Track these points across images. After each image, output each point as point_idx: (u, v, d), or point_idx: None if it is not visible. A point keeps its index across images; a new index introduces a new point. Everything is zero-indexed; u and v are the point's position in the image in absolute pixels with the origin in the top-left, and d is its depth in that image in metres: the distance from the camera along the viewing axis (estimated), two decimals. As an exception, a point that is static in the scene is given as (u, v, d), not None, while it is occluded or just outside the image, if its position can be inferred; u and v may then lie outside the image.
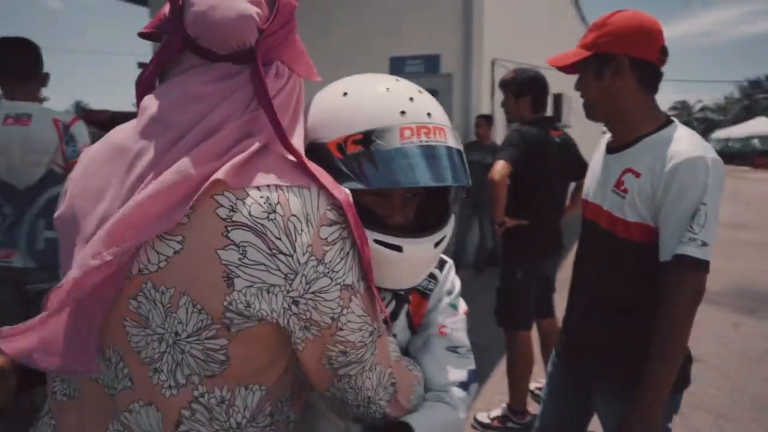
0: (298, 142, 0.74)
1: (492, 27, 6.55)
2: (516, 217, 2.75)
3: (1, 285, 2.30)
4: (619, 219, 1.46)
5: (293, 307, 0.67)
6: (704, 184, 1.31)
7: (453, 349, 1.01)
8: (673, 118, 1.48)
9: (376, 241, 0.81)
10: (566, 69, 1.52)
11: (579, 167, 2.99)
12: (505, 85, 2.89)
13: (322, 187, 0.69)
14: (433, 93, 4.25)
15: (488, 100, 6.73)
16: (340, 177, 0.77)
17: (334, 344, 0.71)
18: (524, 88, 2.82)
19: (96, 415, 0.73)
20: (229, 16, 0.69)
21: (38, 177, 2.30)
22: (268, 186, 0.66)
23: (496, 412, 2.96)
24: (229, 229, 0.64)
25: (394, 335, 0.98)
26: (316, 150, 0.80)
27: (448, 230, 0.91)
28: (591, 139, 17.58)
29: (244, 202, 0.65)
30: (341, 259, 0.69)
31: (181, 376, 0.68)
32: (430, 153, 0.80)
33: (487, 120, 6.10)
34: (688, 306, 1.31)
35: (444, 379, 0.96)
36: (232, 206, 0.65)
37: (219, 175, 0.63)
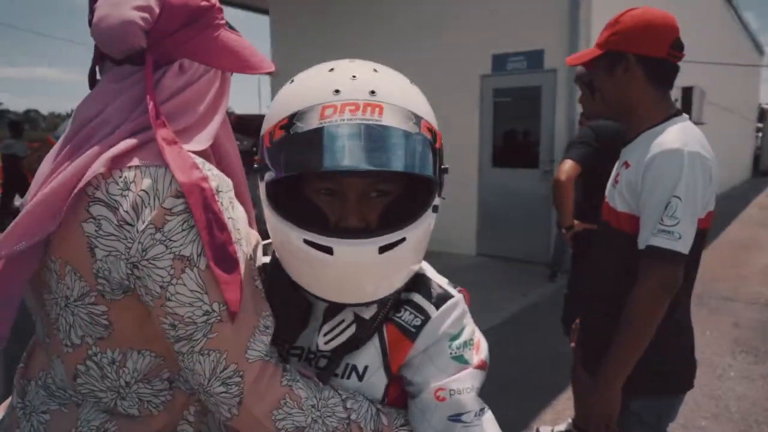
0: (199, 131, 0.79)
1: (601, 18, 6.12)
2: (586, 221, 2.57)
3: None
4: (611, 209, 1.51)
5: (135, 271, 0.71)
6: (677, 177, 1.31)
7: (456, 418, 0.80)
8: (681, 112, 1.47)
9: (306, 241, 0.73)
10: (585, 66, 1.58)
11: None
12: (580, 79, 2.71)
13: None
14: (536, 90, 4.28)
15: (597, 96, 6.32)
16: (266, 168, 0.74)
17: (165, 315, 0.72)
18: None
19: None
20: (112, 23, 0.74)
21: None
22: (129, 167, 0.71)
23: (560, 426, 2.79)
24: (90, 204, 0.71)
25: (354, 367, 0.84)
26: (260, 143, 0.78)
27: (410, 234, 0.74)
28: (734, 139, 15.70)
29: (106, 182, 0.71)
30: (183, 230, 0.70)
31: (75, 337, 0.76)
32: (345, 132, 0.69)
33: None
34: (653, 296, 1.33)
35: None
36: (97, 186, 0.71)
37: (95, 166, 0.70)
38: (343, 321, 0.82)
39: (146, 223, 0.69)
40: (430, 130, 0.76)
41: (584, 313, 1.75)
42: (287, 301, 0.84)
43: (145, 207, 0.70)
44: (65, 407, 0.80)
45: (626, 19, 1.44)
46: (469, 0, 6.75)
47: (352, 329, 0.82)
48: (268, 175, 0.74)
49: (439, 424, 0.80)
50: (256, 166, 0.79)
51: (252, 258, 0.81)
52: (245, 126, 11.87)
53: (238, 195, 0.83)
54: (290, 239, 0.74)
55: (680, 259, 1.32)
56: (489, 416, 0.83)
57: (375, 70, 0.77)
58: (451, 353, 0.83)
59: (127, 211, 0.70)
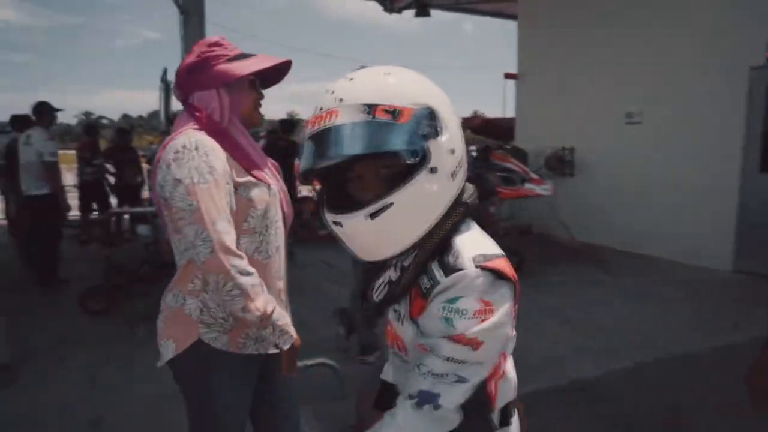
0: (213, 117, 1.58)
1: None
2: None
3: None
4: None
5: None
6: None
7: (418, 364, 0.94)
8: None
9: (332, 222, 0.96)
10: None
11: None
12: None
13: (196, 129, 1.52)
14: None
15: None
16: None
17: (169, 207, 1.47)
18: None
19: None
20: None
21: None
22: (180, 132, 1.52)
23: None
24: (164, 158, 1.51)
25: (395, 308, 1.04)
26: None
27: (395, 199, 0.88)
28: None
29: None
30: (178, 166, 1.43)
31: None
32: (309, 142, 0.91)
33: None
34: None
35: (403, 390, 0.97)
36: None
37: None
38: (383, 282, 1.05)
39: (162, 163, 1.51)
40: (388, 111, 0.87)
41: None
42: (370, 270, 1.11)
43: (169, 152, 1.49)
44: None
45: None
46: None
47: (386, 288, 1.03)
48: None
49: (413, 365, 0.98)
50: None
51: (220, 190, 1.44)
52: (495, 128, 12.27)
53: (250, 169, 1.56)
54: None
55: None
56: (414, 411, 0.93)
57: (352, 79, 0.91)
58: (442, 314, 0.90)
59: (168, 155, 1.50)
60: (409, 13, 12.54)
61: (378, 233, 0.91)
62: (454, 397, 0.92)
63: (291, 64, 1.66)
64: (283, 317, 1.59)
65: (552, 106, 8.35)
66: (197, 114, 1.54)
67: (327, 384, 3.21)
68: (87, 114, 64.32)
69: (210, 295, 1.49)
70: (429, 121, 0.90)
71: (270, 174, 1.65)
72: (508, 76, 9.64)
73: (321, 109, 0.90)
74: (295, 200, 6.95)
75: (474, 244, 0.96)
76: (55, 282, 5.59)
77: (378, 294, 1.04)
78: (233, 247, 1.43)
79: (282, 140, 7.71)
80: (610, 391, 3.41)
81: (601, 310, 4.98)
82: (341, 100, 0.88)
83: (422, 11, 12.33)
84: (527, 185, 6.43)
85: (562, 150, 7.97)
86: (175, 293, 1.58)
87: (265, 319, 1.50)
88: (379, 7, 12.32)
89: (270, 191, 1.61)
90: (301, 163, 0.94)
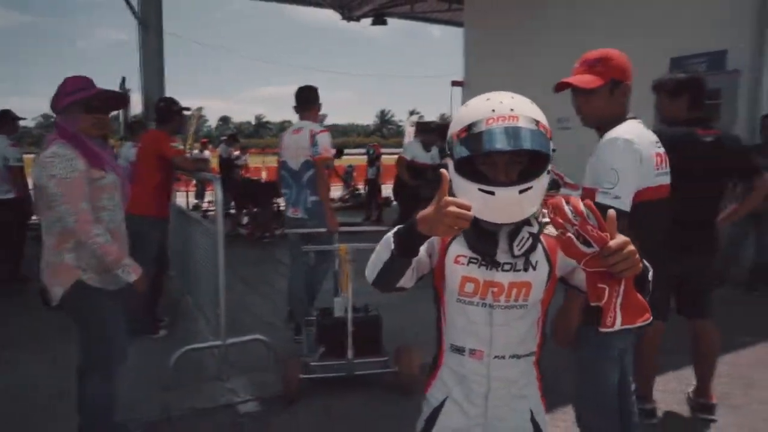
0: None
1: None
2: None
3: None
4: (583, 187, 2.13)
5: None
6: (613, 154, 1.97)
7: None
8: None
9: (480, 189, 1.17)
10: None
11: (743, 168, 2.88)
12: (660, 85, 2.98)
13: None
14: (715, 93, 5.05)
15: (788, 98, 5.79)
16: (455, 153, 1.20)
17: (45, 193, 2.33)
18: (680, 89, 2.90)
19: None
20: None
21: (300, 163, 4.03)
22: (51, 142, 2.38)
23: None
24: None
25: (533, 264, 1.29)
26: (449, 139, 1.25)
27: (535, 184, 1.17)
28: None
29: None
30: (54, 166, 2.30)
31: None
32: (502, 130, 1.14)
33: (773, 120, 5.37)
34: None
35: None
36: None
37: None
38: (523, 237, 1.27)
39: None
40: (544, 128, 1.20)
41: None
42: (480, 236, 1.28)
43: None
44: None
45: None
46: (649, 4, 6.73)
47: (530, 240, 1.27)
48: (455, 156, 1.21)
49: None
50: (447, 152, 1.27)
51: (80, 182, 2.31)
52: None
53: (99, 166, 2.41)
54: (472, 190, 1.18)
55: (624, 214, 1.89)
56: None
57: (512, 97, 1.22)
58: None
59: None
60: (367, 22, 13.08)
61: (519, 203, 1.20)
62: None
63: (123, 96, 2.56)
64: (128, 261, 2.45)
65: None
66: (61, 129, 2.37)
67: (261, 357, 3.74)
68: (45, 117, 62.83)
69: (82, 249, 2.34)
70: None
71: (111, 168, 2.47)
72: (455, 83, 10.25)
73: (513, 110, 1.18)
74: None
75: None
76: (19, 279, 5.97)
77: (521, 247, 1.27)
78: (90, 218, 2.32)
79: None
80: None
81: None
82: (512, 110, 1.18)
83: (379, 20, 12.93)
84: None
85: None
86: (54, 253, 2.37)
87: (116, 261, 2.39)
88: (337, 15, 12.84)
89: (113, 181, 2.46)
90: (496, 143, 1.14)
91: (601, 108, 2.15)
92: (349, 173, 14.02)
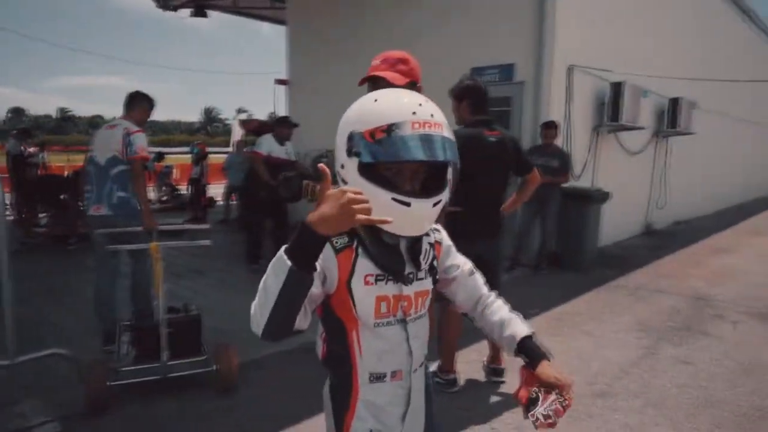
0: None
1: (568, 35, 6.68)
2: (452, 206, 3.25)
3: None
4: None
5: None
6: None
7: (471, 271, 1.46)
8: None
9: (393, 199, 1.11)
10: None
11: (520, 164, 3.38)
12: (450, 91, 3.38)
13: None
14: (506, 100, 5.51)
15: (562, 107, 6.86)
16: (365, 154, 1.09)
17: None
18: (463, 94, 3.31)
19: None
20: None
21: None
22: None
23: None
24: None
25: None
26: (353, 136, 1.12)
27: (444, 197, 1.18)
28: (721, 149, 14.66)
29: None
30: None
31: None
32: (427, 139, 1.09)
33: (549, 126, 6.32)
34: None
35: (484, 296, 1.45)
36: None
37: None
38: (426, 249, 1.30)
39: None
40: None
41: None
42: (385, 251, 1.23)
43: None
44: None
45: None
46: (450, 16, 7.42)
47: (432, 250, 1.32)
48: (365, 159, 1.10)
49: (478, 281, 1.47)
50: (351, 151, 1.14)
51: None
52: (269, 130, 12.84)
53: None
54: (383, 199, 1.11)
55: None
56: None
57: (427, 101, 1.16)
58: (454, 249, 1.44)
59: None
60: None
61: (431, 217, 1.21)
62: None
63: None
64: None
65: (319, 110, 9.08)
66: None
67: (63, 373, 3.38)
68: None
69: None
70: None
71: None
72: (279, 81, 10.17)
73: (432, 116, 1.13)
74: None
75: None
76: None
77: (426, 259, 1.30)
78: None
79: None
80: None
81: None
82: (432, 115, 1.13)
83: (199, 12, 12.28)
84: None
85: (327, 152, 8.76)
86: None
87: None
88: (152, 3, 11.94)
89: None
90: (417, 153, 1.08)
91: None
92: (165, 173, 13.10)
